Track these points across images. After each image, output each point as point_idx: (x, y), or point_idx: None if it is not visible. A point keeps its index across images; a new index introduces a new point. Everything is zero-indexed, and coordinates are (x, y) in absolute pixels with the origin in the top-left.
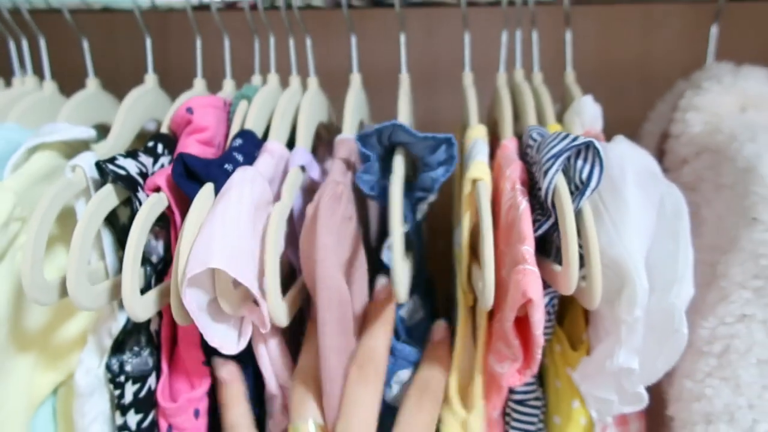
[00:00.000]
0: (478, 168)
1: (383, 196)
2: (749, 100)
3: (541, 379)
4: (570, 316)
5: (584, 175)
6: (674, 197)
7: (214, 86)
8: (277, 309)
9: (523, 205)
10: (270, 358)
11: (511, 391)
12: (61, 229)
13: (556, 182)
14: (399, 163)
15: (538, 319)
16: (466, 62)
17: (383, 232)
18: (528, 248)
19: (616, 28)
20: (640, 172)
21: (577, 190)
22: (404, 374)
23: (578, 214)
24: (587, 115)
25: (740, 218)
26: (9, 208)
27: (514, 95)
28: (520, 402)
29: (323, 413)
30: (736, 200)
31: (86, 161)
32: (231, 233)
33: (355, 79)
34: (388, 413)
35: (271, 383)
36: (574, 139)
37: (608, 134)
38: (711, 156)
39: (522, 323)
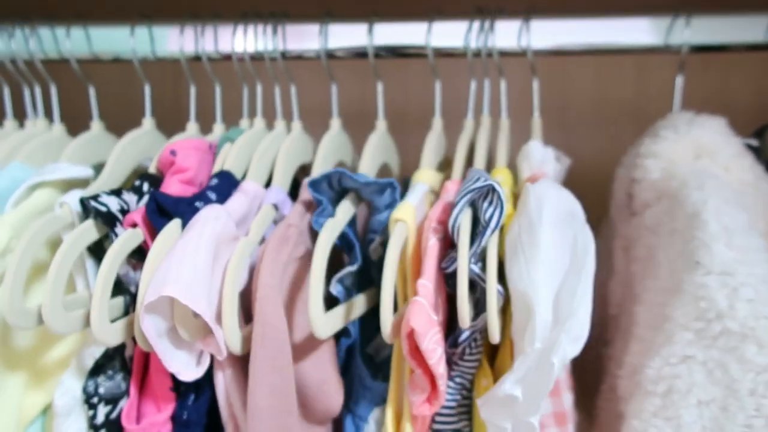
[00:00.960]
0: (402, 209)
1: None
2: (702, 148)
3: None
4: (500, 354)
5: (488, 216)
6: (585, 237)
7: (206, 129)
8: (232, 336)
9: (431, 241)
10: (225, 386)
11: (433, 420)
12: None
13: (459, 221)
14: (342, 209)
15: (428, 349)
16: (437, 108)
17: (334, 270)
18: (424, 282)
19: (612, 71)
20: (558, 212)
21: (482, 230)
22: (380, 412)
23: (484, 252)
24: (534, 159)
25: (686, 262)
26: (5, 240)
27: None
28: None
29: None
30: (684, 244)
31: (74, 198)
32: (188, 264)
33: (335, 124)
34: None
35: (224, 412)
36: (484, 182)
37: (605, 173)
38: (668, 201)
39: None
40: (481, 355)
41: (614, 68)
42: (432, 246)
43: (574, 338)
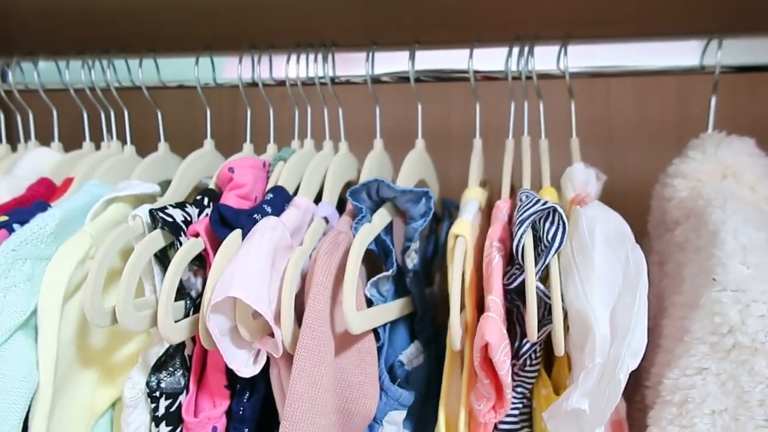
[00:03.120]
0: (460, 225)
1: (373, 245)
2: (729, 169)
3: (530, 419)
4: (557, 365)
5: (550, 236)
6: (637, 256)
7: (260, 149)
8: (289, 336)
9: (496, 260)
10: (280, 382)
11: (496, 427)
12: (123, 265)
13: (523, 241)
14: (379, 216)
15: (499, 361)
16: (477, 129)
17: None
18: (494, 298)
19: (654, 91)
20: (610, 233)
21: (545, 249)
22: (397, 415)
23: (546, 270)
24: (577, 180)
25: (705, 278)
26: (86, 248)
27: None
28: None
29: None
30: (705, 261)
31: (143, 211)
32: (250, 269)
33: (377, 144)
34: None
35: (281, 408)
36: (543, 204)
37: (645, 190)
38: (695, 219)
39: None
40: (540, 366)
41: (656, 89)
42: (497, 264)
43: (634, 353)
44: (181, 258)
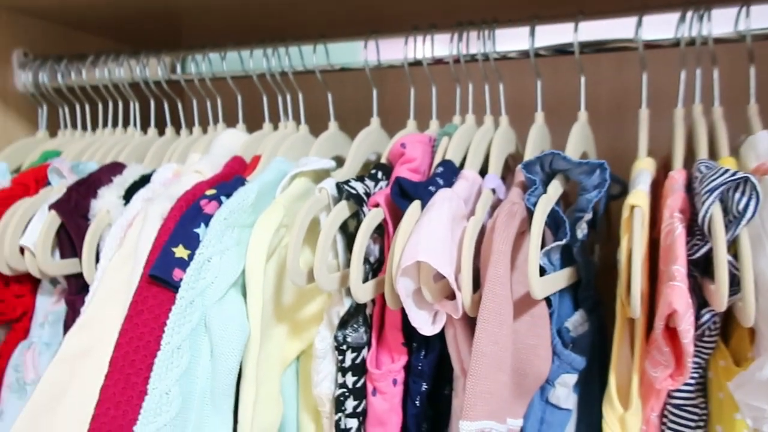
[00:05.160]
0: (637, 196)
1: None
2: None
3: (704, 389)
4: (736, 336)
5: (741, 207)
6: None
7: (422, 125)
8: (468, 299)
9: (678, 230)
10: (457, 343)
11: (670, 395)
12: (308, 234)
13: (711, 212)
14: (553, 187)
15: (684, 329)
16: (643, 99)
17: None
18: (678, 267)
19: None
20: None
21: (735, 220)
22: (569, 378)
23: (736, 241)
24: (762, 148)
25: None
26: (280, 217)
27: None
28: (678, 407)
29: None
30: None
31: (329, 185)
32: (433, 236)
33: (539, 117)
34: (553, 412)
35: (456, 366)
36: (733, 174)
37: None
38: None
39: (674, 334)
40: (717, 336)
41: None
42: (680, 234)
43: None
44: (368, 226)
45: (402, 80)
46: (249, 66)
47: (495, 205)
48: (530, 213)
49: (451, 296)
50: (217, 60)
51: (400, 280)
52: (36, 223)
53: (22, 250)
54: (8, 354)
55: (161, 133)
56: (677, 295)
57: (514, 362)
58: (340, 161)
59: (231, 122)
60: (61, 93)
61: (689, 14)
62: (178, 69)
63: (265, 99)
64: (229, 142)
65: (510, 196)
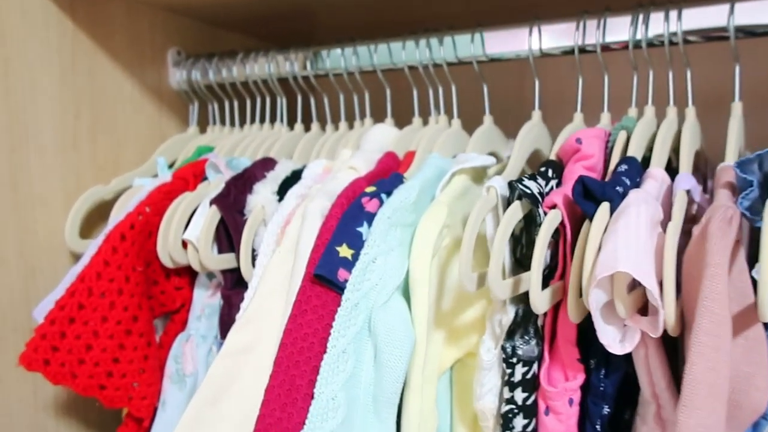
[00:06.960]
0: None
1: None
2: None
3: None
4: None
5: None
6: None
7: (590, 119)
8: (672, 316)
9: None
10: (649, 365)
11: None
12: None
13: None
14: None
15: None
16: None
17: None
18: None
19: None
20: None
21: None
22: None
23: None
24: None
25: None
26: (444, 217)
27: None
28: None
29: None
30: None
31: (498, 183)
32: (633, 243)
33: (736, 107)
34: None
35: (647, 390)
36: None
37: None
38: None
39: None
40: None
41: None
42: None
43: None
44: (547, 229)
45: (555, 70)
46: (401, 58)
47: (689, 209)
48: (747, 220)
49: (641, 311)
50: (365, 53)
51: (593, 293)
52: (198, 217)
53: (184, 243)
54: (168, 345)
55: (307, 128)
56: None
57: (728, 392)
58: (494, 157)
59: (376, 117)
60: (211, 89)
61: None
62: (327, 63)
63: (415, 92)
64: (380, 137)
65: (719, 199)
